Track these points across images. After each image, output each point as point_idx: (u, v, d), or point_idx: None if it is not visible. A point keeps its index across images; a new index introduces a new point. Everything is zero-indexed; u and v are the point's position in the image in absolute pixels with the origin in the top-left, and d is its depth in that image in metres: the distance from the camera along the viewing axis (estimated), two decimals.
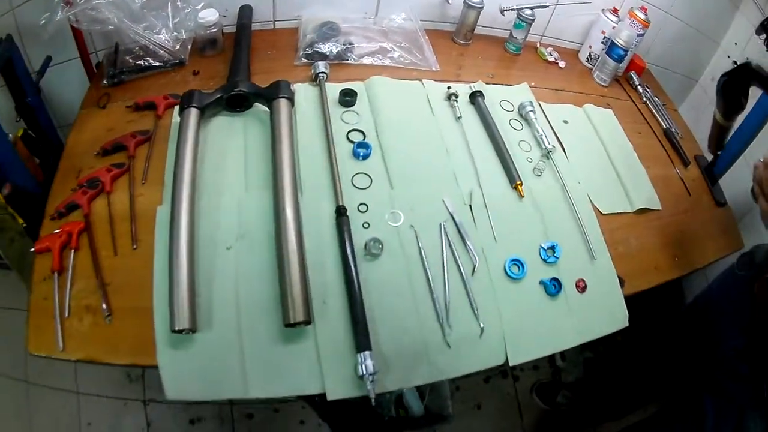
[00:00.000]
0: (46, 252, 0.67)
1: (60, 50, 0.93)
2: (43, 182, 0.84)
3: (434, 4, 1.17)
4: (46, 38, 0.82)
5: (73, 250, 0.68)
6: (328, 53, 0.96)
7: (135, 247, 0.69)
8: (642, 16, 1.32)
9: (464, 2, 1.15)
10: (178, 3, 0.88)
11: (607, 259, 0.90)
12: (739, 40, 1.55)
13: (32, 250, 0.68)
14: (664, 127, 1.31)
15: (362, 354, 0.63)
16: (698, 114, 1.65)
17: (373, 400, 0.64)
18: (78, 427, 1.26)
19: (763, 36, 1.23)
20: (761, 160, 0.73)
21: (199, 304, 0.64)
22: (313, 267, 0.69)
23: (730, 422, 0.97)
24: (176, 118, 0.80)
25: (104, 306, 0.64)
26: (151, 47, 0.87)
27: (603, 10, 1.34)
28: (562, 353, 1.75)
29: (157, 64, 0.89)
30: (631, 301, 0.88)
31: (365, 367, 0.62)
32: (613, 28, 1.32)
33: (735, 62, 1.59)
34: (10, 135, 0.83)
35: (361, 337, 0.64)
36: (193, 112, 0.76)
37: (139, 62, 0.88)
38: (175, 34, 0.88)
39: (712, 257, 1.09)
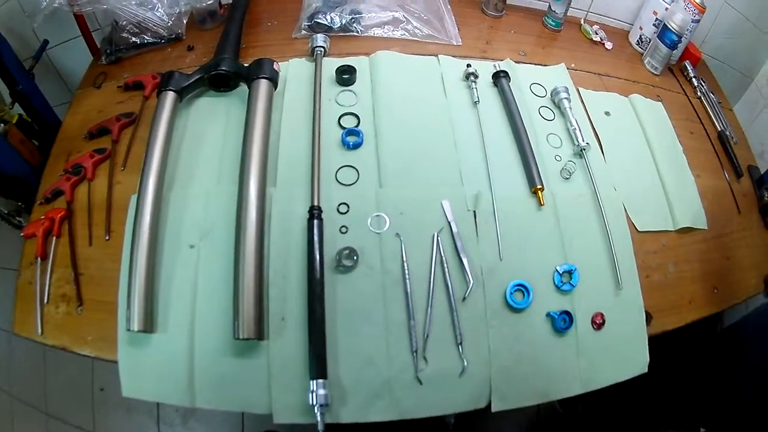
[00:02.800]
0: (32, 237, 0.55)
1: (62, 31, 0.72)
2: (40, 166, 0.68)
3: None
4: (40, 23, 0.61)
5: (55, 237, 0.55)
6: (330, 24, 0.69)
7: (107, 238, 0.55)
8: (698, 0, 0.81)
9: None
10: None
11: (636, 290, 0.59)
12: None
13: (21, 235, 0.56)
14: (719, 129, 0.92)
15: (316, 382, 0.47)
16: (752, 117, 1.11)
17: None
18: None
19: None
20: None
21: (157, 304, 0.50)
22: (275, 276, 0.53)
23: None
24: (155, 100, 0.61)
25: (75, 296, 0.51)
26: (145, 23, 0.65)
27: None
28: None
29: (152, 40, 0.68)
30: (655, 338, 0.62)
31: (316, 396, 0.46)
32: (666, 9, 0.91)
33: None
34: (2, 125, 0.69)
35: (317, 362, 0.49)
36: (170, 96, 0.57)
37: (135, 39, 0.68)
38: (171, 8, 0.65)
39: (755, 291, 0.70)
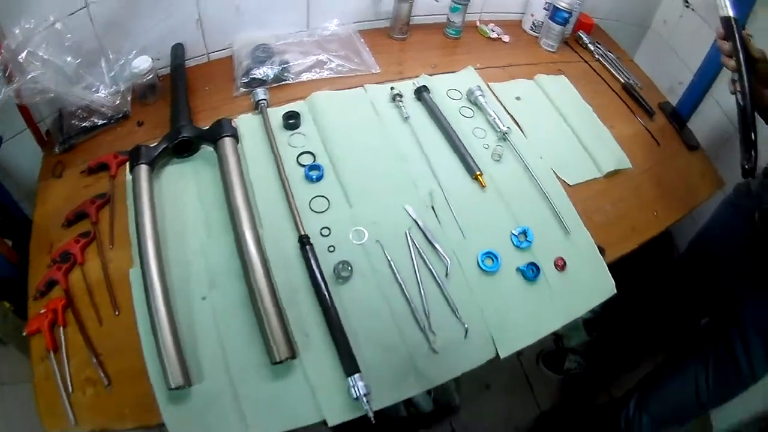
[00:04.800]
0: (37, 333, 0.74)
1: (8, 125, 0.94)
2: (19, 262, 0.89)
3: (365, 3, 1.23)
4: None
5: (62, 327, 0.74)
6: (264, 77, 1.02)
7: (117, 313, 0.76)
8: None
9: None
10: (111, 56, 0.94)
11: (584, 232, 0.98)
12: None
13: (24, 333, 0.74)
14: (623, 81, 1.41)
15: (353, 377, 0.71)
16: (656, 60, 1.75)
17: (372, 419, 0.71)
18: None
19: None
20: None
21: (187, 359, 0.71)
22: (287, 301, 0.77)
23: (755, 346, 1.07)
24: (129, 176, 0.85)
25: (102, 376, 0.71)
26: (93, 106, 0.92)
27: None
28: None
29: (102, 122, 0.94)
30: (617, 264, 0.97)
31: (358, 389, 0.70)
32: None
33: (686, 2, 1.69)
34: None
35: (347, 361, 0.73)
36: (143, 169, 0.83)
37: (84, 123, 0.93)
38: (113, 88, 0.93)
39: (693, 204, 1.20)
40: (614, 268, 0.96)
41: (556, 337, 1.94)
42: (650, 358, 1.54)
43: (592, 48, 1.47)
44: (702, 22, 1.49)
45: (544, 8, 1.41)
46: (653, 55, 1.78)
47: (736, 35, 0.86)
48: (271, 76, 1.02)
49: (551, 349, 1.92)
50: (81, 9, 0.90)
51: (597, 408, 1.55)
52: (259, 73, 1.01)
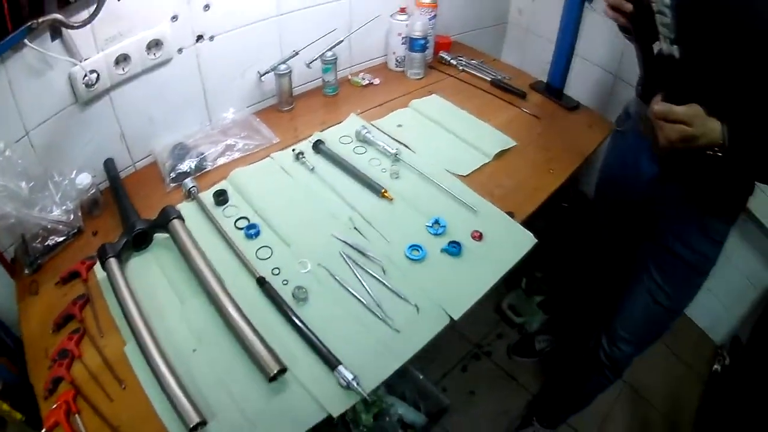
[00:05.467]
0: (56, 426, 0.91)
1: None
2: (19, 374, 1.09)
3: (251, 87, 1.58)
4: None
5: (77, 414, 0.93)
6: (188, 170, 1.32)
7: (123, 387, 0.96)
8: (428, 0, 1.84)
9: (274, 74, 1.54)
10: (56, 178, 1.17)
11: (489, 206, 1.32)
12: None
13: (44, 430, 0.91)
14: (489, 80, 1.85)
15: (336, 370, 0.95)
16: (523, 48, 2.23)
17: (368, 398, 0.94)
18: None
19: None
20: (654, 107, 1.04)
21: (196, 401, 0.91)
22: (265, 331, 0.99)
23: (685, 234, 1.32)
24: (101, 273, 1.10)
25: None
26: (50, 226, 1.16)
27: (391, 15, 1.80)
28: (515, 311, 2.36)
29: (61, 239, 1.18)
30: (547, 233, 1.30)
31: (345, 377, 0.94)
32: (407, 25, 1.78)
33: None
34: None
35: (328, 360, 0.97)
36: (113, 261, 1.08)
37: (47, 243, 1.16)
38: (64, 207, 1.17)
39: (587, 151, 1.57)
40: (545, 237, 1.27)
41: (518, 327, 2.32)
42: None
43: (454, 63, 1.90)
44: None
45: (402, 43, 1.81)
46: (519, 46, 2.25)
47: None
48: (193, 167, 1.32)
49: (516, 340, 2.28)
50: (23, 137, 1.13)
51: (577, 362, 1.78)
52: (182, 167, 1.30)
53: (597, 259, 1.78)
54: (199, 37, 1.40)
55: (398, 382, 1.55)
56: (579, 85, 1.86)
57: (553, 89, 1.84)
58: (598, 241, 1.73)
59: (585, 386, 1.79)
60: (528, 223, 1.31)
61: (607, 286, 1.67)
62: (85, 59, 1.19)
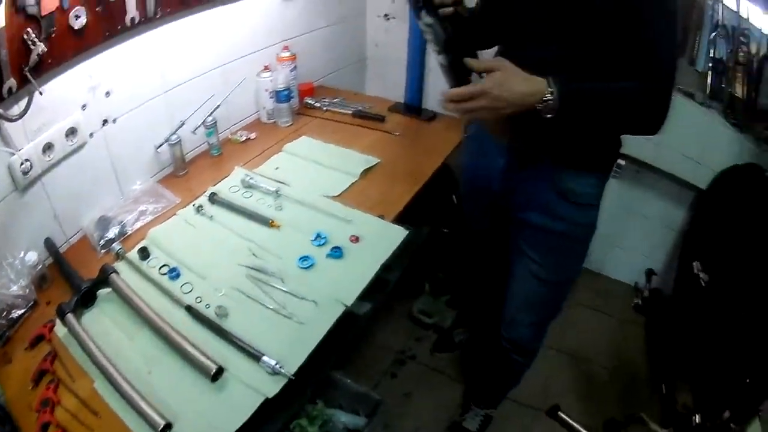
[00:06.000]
0: None
1: None
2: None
3: (151, 159, 1.88)
4: None
5: None
6: (114, 237, 1.63)
7: (99, 416, 1.18)
8: (287, 54, 2.16)
9: (167, 144, 1.87)
10: (9, 259, 1.39)
11: (361, 214, 1.67)
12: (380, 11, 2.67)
13: None
14: (351, 112, 2.31)
15: (261, 360, 1.22)
16: (383, 78, 2.75)
17: (293, 377, 1.18)
18: None
19: None
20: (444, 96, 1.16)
21: (160, 410, 1.14)
22: (201, 345, 1.27)
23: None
24: (62, 330, 1.37)
25: None
26: (10, 302, 1.38)
27: (258, 74, 2.15)
28: (427, 314, 2.67)
29: (21, 311, 1.41)
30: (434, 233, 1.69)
31: (269, 364, 1.21)
32: (271, 81, 2.12)
33: (386, 15, 2.59)
34: None
35: (253, 355, 1.27)
36: (71, 316, 1.36)
37: (10, 317, 1.39)
38: (20, 283, 1.39)
39: (446, 151, 1.97)
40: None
41: (434, 327, 2.60)
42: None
43: (318, 105, 2.30)
44: (403, 23, 2.33)
45: (270, 97, 2.14)
46: (380, 76, 2.69)
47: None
48: (117, 233, 1.63)
49: (436, 338, 2.55)
50: None
51: (489, 350, 1.89)
52: (108, 236, 1.62)
53: (480, 254, 1.98)
54: (105, 121, 1.68)
55: (333, 395, 1.73)
56: (431, 95, 2.27)
57: (411, 107, 2.32)
58: (475, 238, 1.94)
59: (505, 369, 1.92)
60: (415, 225, 1.67)
61: (496, 276, 1.78)
62: (20, 149, 1.41)
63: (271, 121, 2.28)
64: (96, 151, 1.69)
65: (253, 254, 1.63)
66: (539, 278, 1.55)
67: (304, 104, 2.38)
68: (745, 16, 2.55)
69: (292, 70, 2.26)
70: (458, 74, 1.23)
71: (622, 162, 2.52)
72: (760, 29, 2.47)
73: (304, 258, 1.57)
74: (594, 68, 1.24)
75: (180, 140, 1.92)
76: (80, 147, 1.62)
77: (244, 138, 2.17)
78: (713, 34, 2.52)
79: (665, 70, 1.23)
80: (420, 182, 1.86)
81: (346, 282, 1.48)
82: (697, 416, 1.86)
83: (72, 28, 1.44)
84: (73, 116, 1.57)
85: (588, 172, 1.43)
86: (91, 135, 1.66)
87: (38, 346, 1.41)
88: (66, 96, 1.53)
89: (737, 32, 2.51)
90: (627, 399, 2.33)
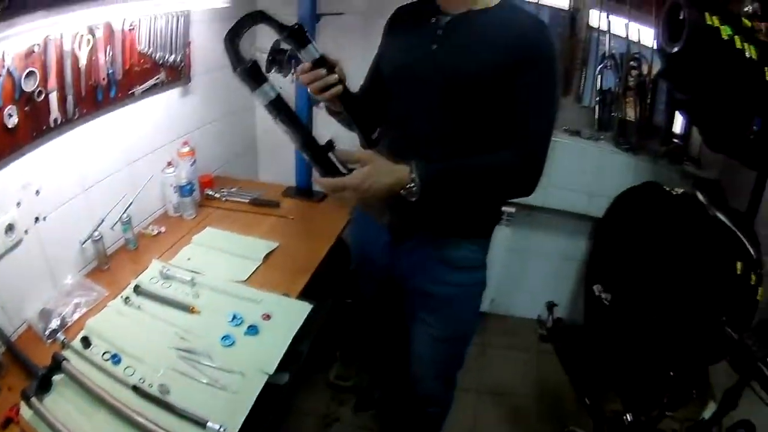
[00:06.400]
0: None
1: None
2: None
3: (77, 255, 2.16)
4: None
5: None
6: (56, 328, 1.94)
7: None
8: (187, 149, 2.48)
9: (91, 241, 2.21)
10: None
11: (267, 294, 2.02)
12: None
13: None
14: (248, 200, 2.81)
15: (207, 427, 1.52)
16: (276, 162, 3.16)
17: None
18: None
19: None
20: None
21: None
22: (153, 417, 1.69)
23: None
24: (27, 413, 1.66)
25: None
26: None
27: (162, 170, 2.46)
28: (343, 378, 3.07)
29: None
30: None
31: (214, 428, 1.53)
32: (175, 176, 2.42)
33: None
34: None
35: (198, 422, 1.58)
36: (34, 399, 1.67)
37: None
38: None
39: (337, 229, 2.44)
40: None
41: (352, 389, 2.98)
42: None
43: (218, 195, 2.69)
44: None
45: (175, 192, 2.45)
46: (272, 161, 3.29)
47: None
48: (59, 324, 1.94)
49: (356, 399, 2.91)
50: None
51: (406, 405, 2.16)
52: (51, 326, 1.93)
53: (379, 322, 2.28)
54: (36, 219, 1.92)
55: None
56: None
57: (302, 190, 2.82)
58: (372, 308, 2.25)
59: (423, 422, 2.17)
60: (319, 298, 2.08)
61: (398, 340, 2.06)
62: None
63: (177, 214, 2.62)
64: (32, 247, 1.93)
65: (181, 338, 2.06)
66: (437, 338, 1.84)
67: (205, 195, 2.75)
68: (635, 40, 3.05)
69: (192, 165, 2.68)
70: (323, 165, 1.47)
71: (512, 209, 3.15)
72: (652, 48, 2.88)
73: (225, 337, 1.94)
74: (473, 140, 1.54)
75: (102, 236, 2.20)
76: (18, 243, 1.87)
77: (155, 232, 2.48)
78: (600, 66, 3.08)
79: (538, 138, 1.49)
80: (317, 260, 2.29)
81: (265, 355, 1.83)
82: (628, 415, 2.19)
83: (6, 126, 1.69)
84: (9, 213, 1.81)
85: (468, 239, 1.70)
86: (26, 232, 1.89)
87: (8, 428, 1.72)
88: (2, 193, 1.77)
89: (627, 57, 3.00)
90: (557, 418, 2.73)
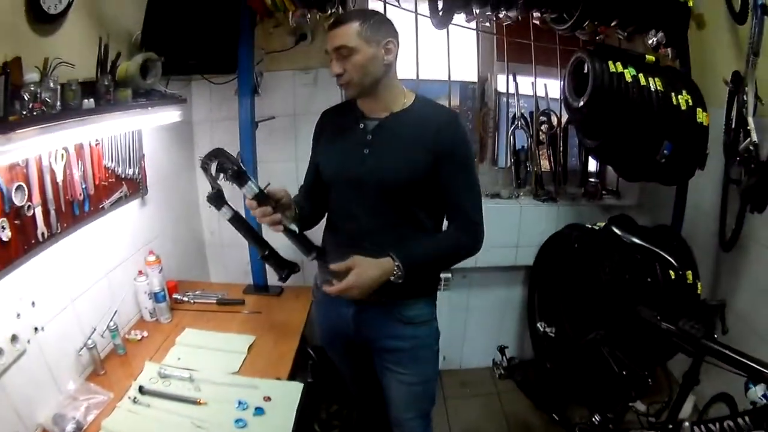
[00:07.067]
0: None
1: None
2: None
3: (75, 362, 2.40)
4: None
5: None
6: (73, 430, 2.13)
7: None
8: (153, 258, 2.71)
9: (86, 348, 2.37)
10: None
11: (261, 381, 2.42)
12: None
13: None
14: (215, 301, 3.15)
15: None
16: (224, 261, 3.83)
17: None
18: None
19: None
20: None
21: None
22: None
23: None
24: None
25: None
26: None
27: (134, 279, 2.76)
28: None
29: None
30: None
31: None
32: (147, 284, 2.73)
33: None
34: None
35: None
36: None
37: None
38: None
39: (302, 317, 3.03)
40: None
41: None
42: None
43: (186, 299, 2.98)
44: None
45: (149, 299, 2.73)
46: (221, 261, 3.78)
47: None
48: (75, 427, 2.10)
49: None
50: None
51: None
52: (68, 430, 2.13)
53: (355, 383, 2.81)
54: (36, 329, 2.10)
55: None
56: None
57: (260, 287, 3.23)
58: (346, 373, 2.74)
59: None
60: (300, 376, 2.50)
61: (373, 393, 2.53)
62: None
63: (154, 319, 2.88)
64: (35, 356, 2.12)
65: (198, 426, 2.27)
66: (407, 383, 2.29)
67: (174, 300, 3.04)
68: (543, 95, 3.61)
69: (160, 272, 2.96)
70: (281, 266, 2.21)
71: (448, 275, 3.77)
72: (560, 99, 3.40)
73: (237, 420, 2.21)
74: (413, 223, 2.10)
75: (95, 344, 2.40)
76: (23, 352, 2.06)
77: (139, 337, 2.69)
78: (512, 127, 3.56)
79: (474, 210, 2.07)
80: (294, 345, 2.79)
81: (277, 428, 2.24)
82: (596, 416, 2.69)
83: (1, 239, 1.94)
84: (12, 324, 2.01)
85: (419, 299, 2.22)
86: (28, 341, 2.07)
87: None
88: (3, 305, 1.98)
89: (536, 114, 3.54)
90: None
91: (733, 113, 2.97)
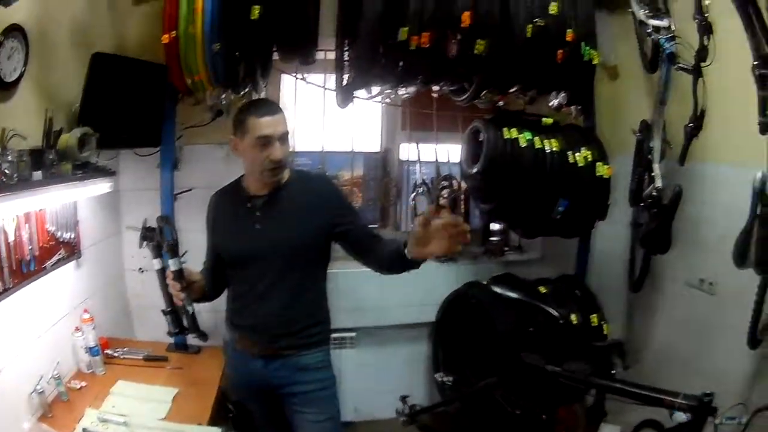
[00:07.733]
0: None
1: None
2: None
3: (27, 405, 2.80)
4: None
5: None
6: None
7: None
8: (87, 316, 3.13)
9: (36, 393, 2.84)
10: None
11: (185, 426, 2.93)
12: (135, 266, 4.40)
13: None
14: (141, 357, 3.50)
15: None
16: (147, 320, 4.30)
17: None
18: None
19: None
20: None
21: None
22: None
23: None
24: None
25: None
26: None
27: (72, 334, 3.27)
28: None
29: None
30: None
31: None
32: (83, 339, 3.22)
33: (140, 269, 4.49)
34: None
35: None
36: None
37: None
38: None
39: (218, 375, 3.65)
40: None
41: None
42: None
43: (117, 354, 3.50)
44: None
45: (85, 353, 3.19)
46: (146, 320, 4.32)
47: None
48: None
49: None
50: None
51: None
52: None
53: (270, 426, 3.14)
54: None
55: None
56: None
57: (180, 345, 3.65)
58: (262, 422, 3.21)
59: None
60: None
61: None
62: None
63: (90, 371, 3.21)
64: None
65: None
66: (314, 421, 2.79)
67: (106, 355, 3.38)
68: (445, 160, 3.97)
69: (93, 329, 3.40)
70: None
71: (353, 334, 4.24)
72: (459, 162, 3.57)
73: None
74: (322, 273, 2.86)
75: (44, 389, 2.78)
76: None
77: (78, 386, 3.05)
78: (413, 194, 3.92)
79: (377, 234, 2.71)
80: (212, 396, 3.29)
81: None
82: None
83: None
84: None
85: (317, 348, 2.85)
86: None
87: None
88: None
89: (437, 179, 3.83)
90: None
91: (641, 160, 3.20)
